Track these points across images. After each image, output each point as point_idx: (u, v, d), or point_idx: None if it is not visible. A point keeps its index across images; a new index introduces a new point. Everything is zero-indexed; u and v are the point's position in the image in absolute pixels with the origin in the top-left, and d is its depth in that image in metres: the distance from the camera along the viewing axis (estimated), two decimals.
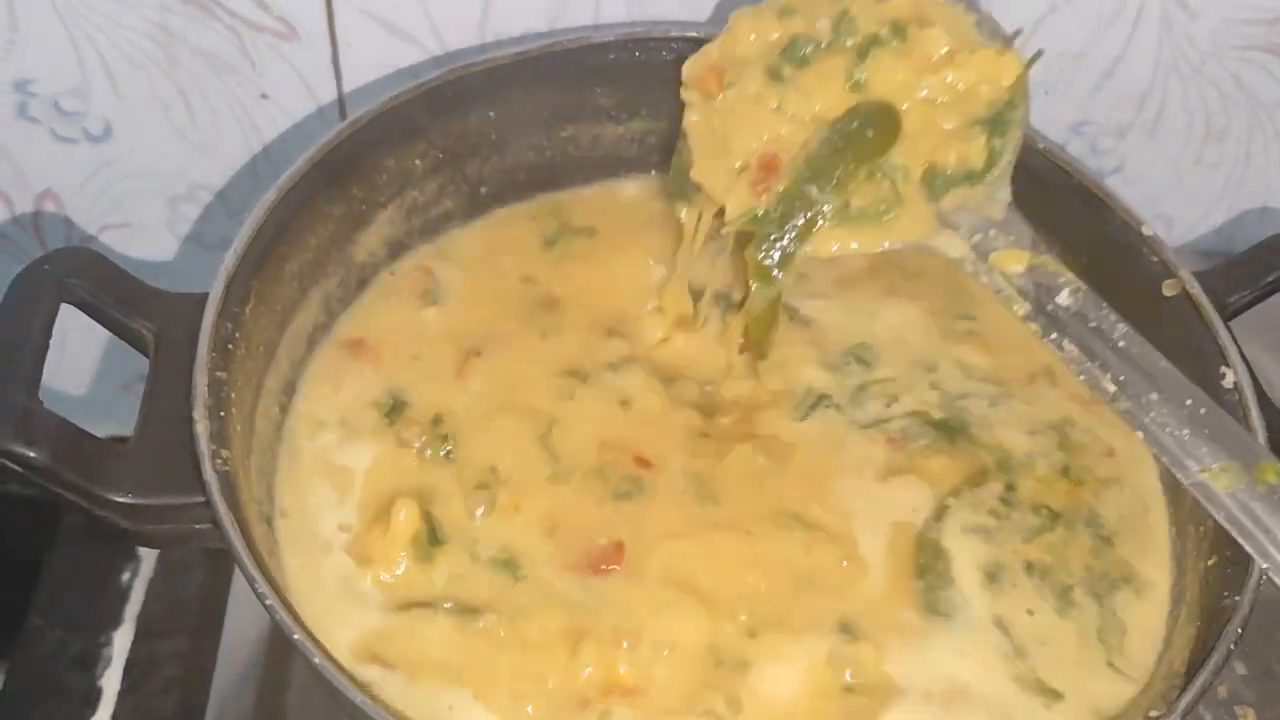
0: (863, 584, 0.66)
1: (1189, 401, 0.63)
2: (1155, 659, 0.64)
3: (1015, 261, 0.68)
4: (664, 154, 0.87)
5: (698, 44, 0.79)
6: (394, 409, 0.71)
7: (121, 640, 0.99)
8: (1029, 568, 0.68)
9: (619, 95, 0.84)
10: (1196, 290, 0.70)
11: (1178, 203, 1.05)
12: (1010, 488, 0.71)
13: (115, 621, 1.00)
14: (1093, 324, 0.66)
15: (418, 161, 0.79)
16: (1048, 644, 0.65)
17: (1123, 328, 0.66)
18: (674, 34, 0.82)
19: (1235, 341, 0.69)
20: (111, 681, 0.98)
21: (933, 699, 0.61)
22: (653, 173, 0.87)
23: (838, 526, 0.68)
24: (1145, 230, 0.73)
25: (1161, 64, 0.94)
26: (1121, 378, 0.64)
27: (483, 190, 0.83)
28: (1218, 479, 0.61)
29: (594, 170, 0.86)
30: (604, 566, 0.64)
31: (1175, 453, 0.63)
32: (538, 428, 0.70)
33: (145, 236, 0.99)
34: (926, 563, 0.67)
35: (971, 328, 0.79)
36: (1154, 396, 0.63)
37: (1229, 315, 0.72)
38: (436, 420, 0.70)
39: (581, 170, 0.86)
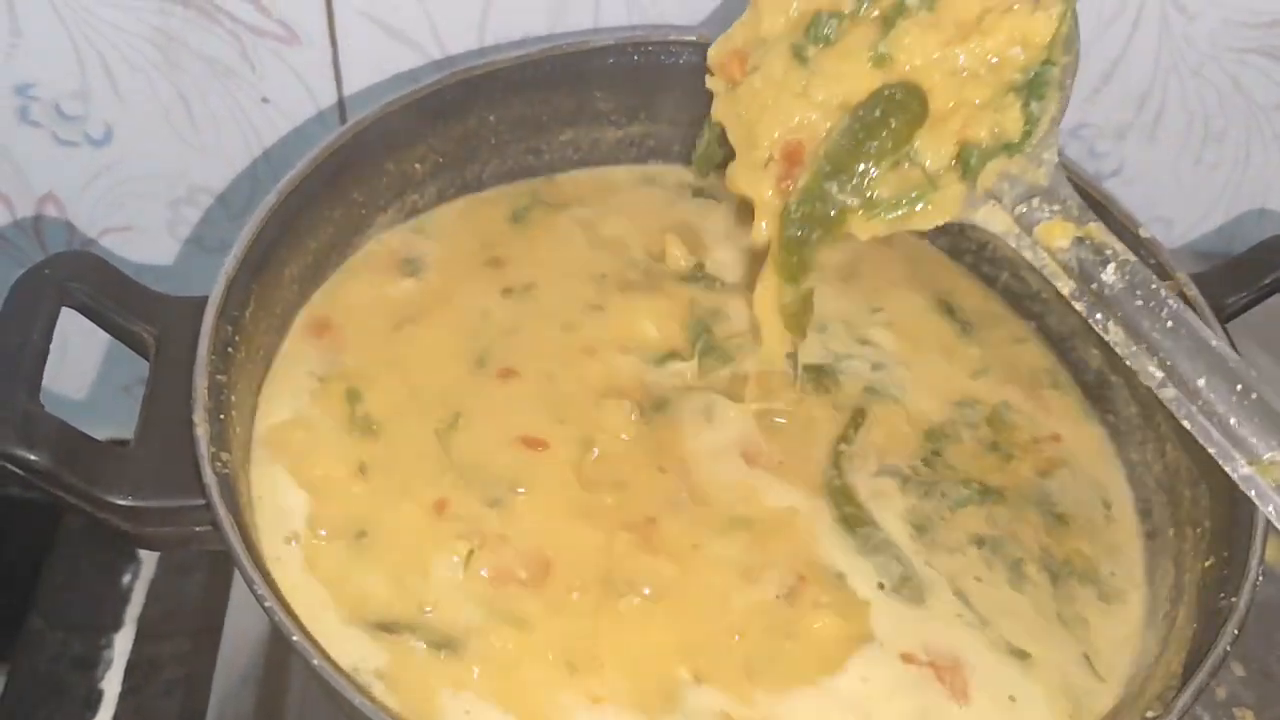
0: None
1: (1239, 387, 0.61)
2: (1128, 665, 0.65)
3: (1060, 235, 0.65)
4: (662, 157, 0.88)
5: (697, 47, 0.79)
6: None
7: (122, 642, 0.99)
8: (978, 540, 0.68)
9: (618, 99, 0.84)
10: (1194, 293, 0.70)
11: (1176, 204, 1.05)
12: (936, 453, 0.71)
13: (116, 624, 1.00)
14: (1139, 302, 0.63)
15: (417, 165, 0.80)
16: (1008, 615, 0.65)
17: (1173, 305, 0.63)
18: (673, 37, 0.82)
19: (1233, 345, 0.69)
20: (112, 684, 0.98)
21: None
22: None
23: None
24: (1143, 233, 0.74)
25: (1160, 66, 0.94)
26: (1169, 362, 0.62)
27: (481, 194, 0.83)
28: (1267, 472, 0.60)
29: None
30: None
31: (1222, 444, 0.60)
32: None
33: (146, 239, 0.99)
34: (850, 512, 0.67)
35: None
36: (1201, 382, 0.61)
37: (1226, 317, 0.72)
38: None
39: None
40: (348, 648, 0.59)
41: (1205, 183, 1.03)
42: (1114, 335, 0.64)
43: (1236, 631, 0.58)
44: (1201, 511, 0.66)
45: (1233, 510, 0.63)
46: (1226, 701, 0.80)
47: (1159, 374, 0.63)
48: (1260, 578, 0.60)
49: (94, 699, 0.97)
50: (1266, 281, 0.73)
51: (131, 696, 0.97)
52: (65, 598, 1.01)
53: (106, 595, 1.01)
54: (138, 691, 0.98)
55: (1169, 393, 0.62)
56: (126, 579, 1.02)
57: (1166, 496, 0.71)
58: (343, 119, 0.91)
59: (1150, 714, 0.57)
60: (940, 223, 0.68)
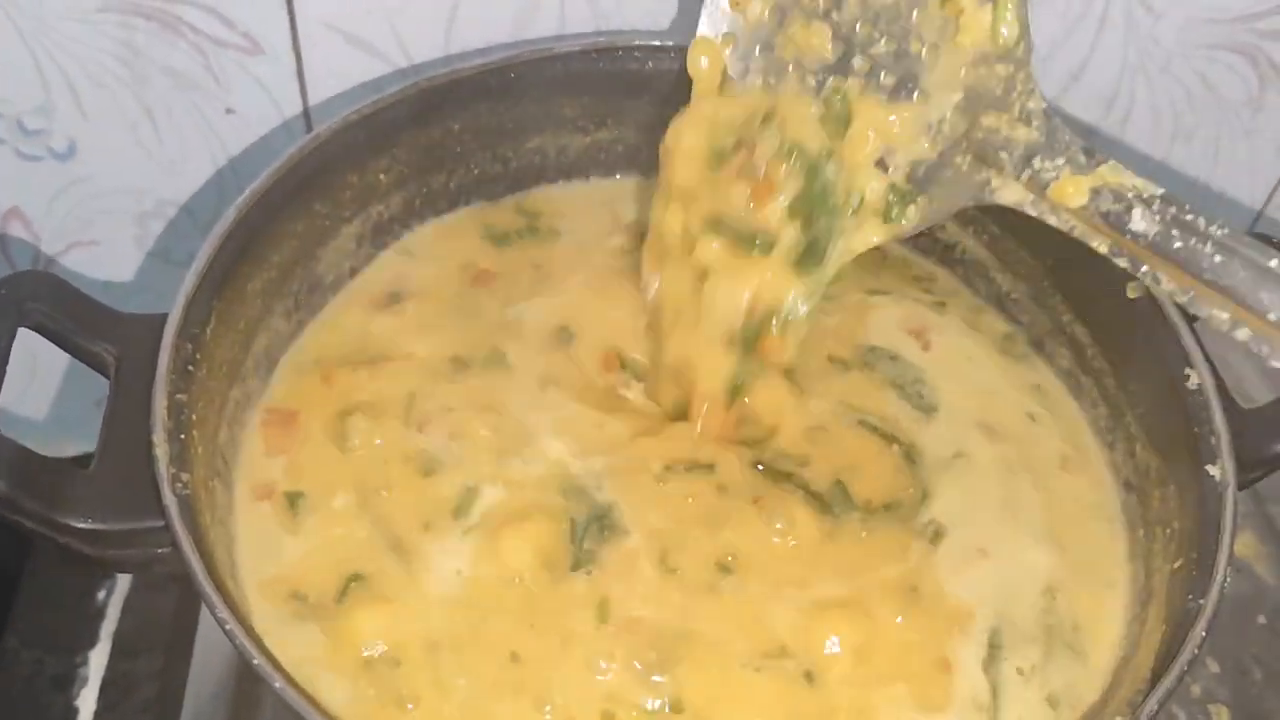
0: None
1: None
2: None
3: (1075, 192, 0.60)
4: (631, 163, 0.87)
5: (661, 52, 0.79)
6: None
7: (98, 659, 0.98)
8: None
9: (585, 105, 0.84)
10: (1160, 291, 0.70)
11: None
12: None
13: (91, 640, 0.99)
14: (1179, 243, 0.58)
15: (381, 176, 0.79)
16: None
17: (1217, 233, 0.58)
18: (638, 43, 0.82)
19: (1200, 343, 0.69)
20: (88, 701, 0.97)
21: None
22: (617, 176, 0.87)
23: None
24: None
25: (1128, 65, 0.94)
26: (1233, 300, 0.57)
27: (444, 204, 0.83)
28: None
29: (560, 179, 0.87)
30: None
31: None
32: None
33: (113, 254, 0.98)
34: None
35: None
36: (1274, 316, 0.56)
37: (1193, 315, 0.72)
38: None
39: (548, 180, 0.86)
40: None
41: (1174, 181, 1.04)
42: (1166, 286, 0.59)
43: (1205, 634, 0.58)
44: (1170, 512, 0.66)
45: (1201, 510, 0.63)
46: (1201, 698, 0.80)
47: (1225, 315, 0.58)
48: (1228, 580, 0.60)
49: (70, 717, 0.96)
50: None
51: (108, 714, 0.97)
52: (40, 616, 1.00)
53: (81, 612, 1.00)
54: (114, 709, 0.97)
55: (1243, 333, 0.57)
56: (101, 595, 1.01)
57: (1136, 497, 0.71)
58: (308, 128, 0.91)
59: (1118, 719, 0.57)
60: (955, 208, 0.66)
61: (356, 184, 0.78)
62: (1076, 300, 0.77)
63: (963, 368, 0.77)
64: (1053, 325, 0.79)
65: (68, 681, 0.97)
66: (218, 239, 0.67)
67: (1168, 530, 0.66)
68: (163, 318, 0.65)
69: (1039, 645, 0.64)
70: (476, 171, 0.83)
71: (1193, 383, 0.67)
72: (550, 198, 0.86)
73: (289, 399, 0.73)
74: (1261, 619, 0.86)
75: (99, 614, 1.00)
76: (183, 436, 0.61)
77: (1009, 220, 0.79)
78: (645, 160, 0.87)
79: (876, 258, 0.80)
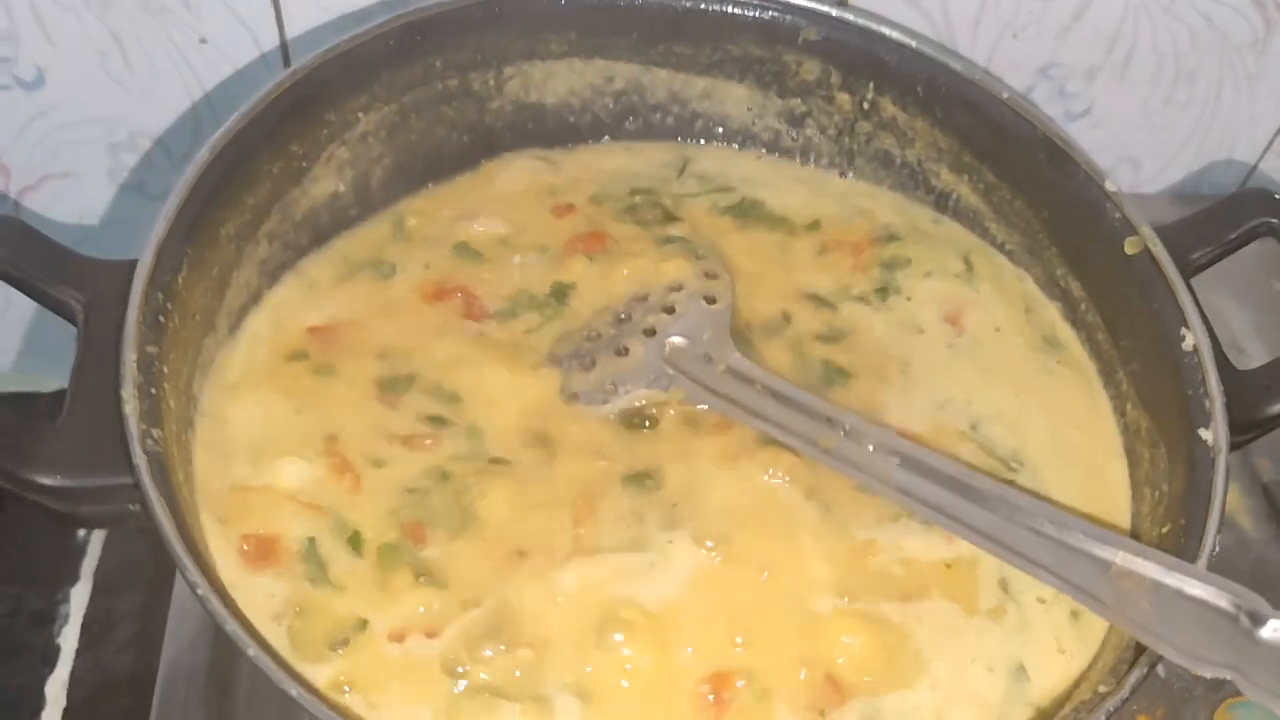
0: None
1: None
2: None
3: None
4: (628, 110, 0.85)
5: None
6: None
7: (79, 596, 0.97)
8: None
9: (571, 40, 0.81)
10: (1159, 249, 0.69)
11: (1146, 145, 1.03)
12: None
13: (72, 578, 0.98)
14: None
15: (360, 115, 0.76)
16: None
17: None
18: None
19: (1197, 303, 0.67)
20: (69, 639, 0.97)
21: None
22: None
23: None
24: (1109, 185, 0.72)
25: (1131, 4, 0.91)
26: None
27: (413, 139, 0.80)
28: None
29: (544, 126, 0.84)
30: None
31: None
32: None
33: (87, 187, 0.96)
34: None
35: None
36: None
37: (1192, 272, 0.71)
38: None
39: (526, 130, 0.84)
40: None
41: (1176, 124, 1.01)
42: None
43: None
44: (1160, 474, 0.66)
45: (1191, 475, 0.62)
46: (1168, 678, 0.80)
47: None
48: (1217, 547, 0.59)
49: (51, 655, 0.96)
50: (1233, 236, 0.71)
51: (89, 651, 0.96)
52: (21, 552, 0.99)
53: (62, 549, 0.99)
54: (95, 645, 0.97)
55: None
56: (82, 532, 1.00)
57: (1127, 455, 0.70)
58: (286, 61, 0.88)
59: (1103, 688, 0.57)
60: None
61: (335, 122, 0.75)
62: (1072, 253, 0.75)
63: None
64: (1047, 278, 0.78)
65: (48, 619, 0.97)
66: (189, 181, 0.65)
67: (1156, 493, 0.66)
68: (132, 264, 0.62)
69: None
70: (453, 114, 0.80)
71: (1187, 344, 0.66)
72: None
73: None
74: (1244, 571, 0.85)
75: (80, 551, 0.99)
76: (154, 391, 0.59)
77: (1005, 169, 0.78)
78: (638, 106, 0.85)
79: None
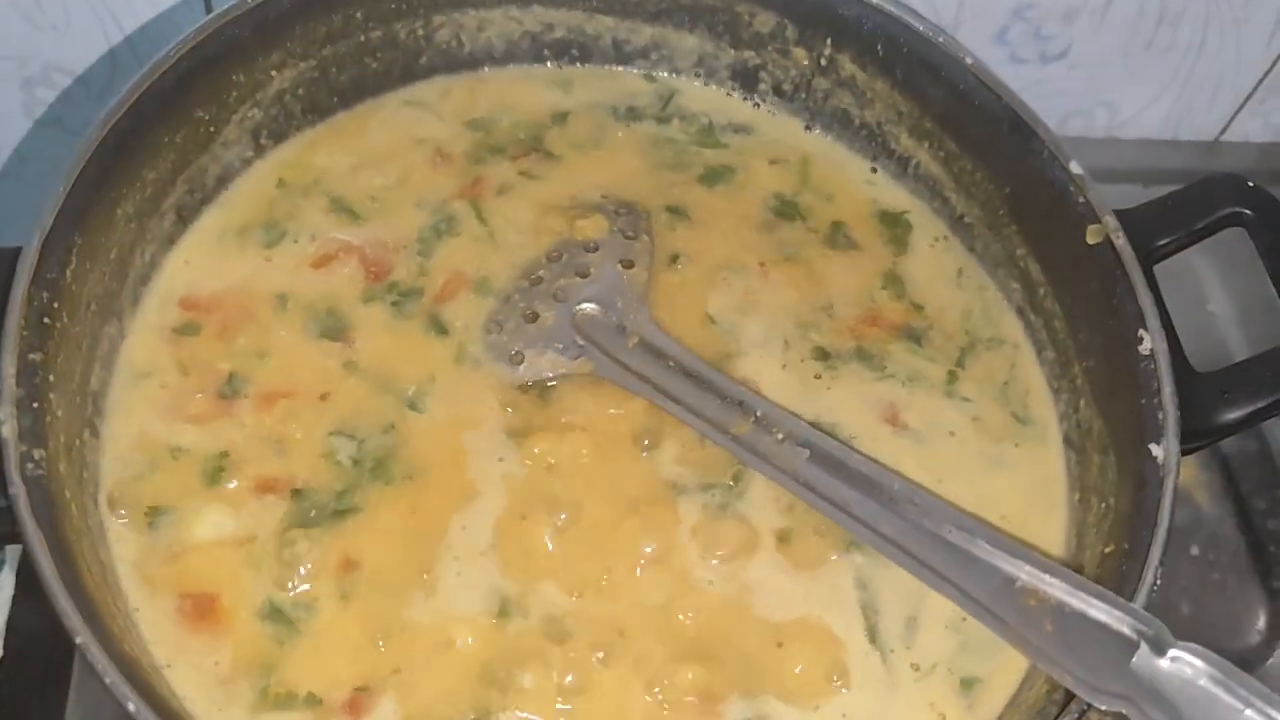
0: None
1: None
2: None
3: None
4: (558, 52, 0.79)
5: None
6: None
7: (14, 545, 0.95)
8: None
9: None
10: (1121, 242, 0.65)
11: (1125, 89, 0.98)
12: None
13: None
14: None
15: (274, 74, 0.71)
16: None
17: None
18: None
19: (1159, 301, 0.64)
20: (5, 587, 0.94)
21: None
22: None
23: None
24: (1074, 167, 0.67)
25: None
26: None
27: (335, 100, 0.75)
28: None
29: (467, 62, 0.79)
30: None
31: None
32: None
33: (1, 121, 0.90)
34: None
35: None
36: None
37: (1156, 260, 0.67)
38: None
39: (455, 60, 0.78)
40: None
41: (1157, 67, 0.96)
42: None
43: None
44: (1108, 485, 0.63)
45: (1139, 495, 0.60)
46: None
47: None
48: (1159, 581, 0.57)
49: None
50: (1201, 225, 0.67)
51: (25, 599, 0.94)
52: None
53: None
54: (31, 594, 0.94)
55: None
56: None
57: (1076, 456, 0.68)
58: (208, 8, 0.82)
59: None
60: None
61: (244, 83, 0.70)
62: (1033, 234, 0.71)
63: None
64: (1006, 256, 0.74)
65: None
66: (76, 163, 0.60)
67: (1103, 504, 0.63)
68: (14, 253, 0.58)
69: None
70: (373, 64, 0.75)
71: (1144, 347, 0.62)
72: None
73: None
74: (1195, 550, 0.84)
75: None
76: (36, 405, 0.55)
77: (967, 138, 0.73)
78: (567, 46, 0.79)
79: None
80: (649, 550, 0.62)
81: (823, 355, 0.70)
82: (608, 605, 0.60)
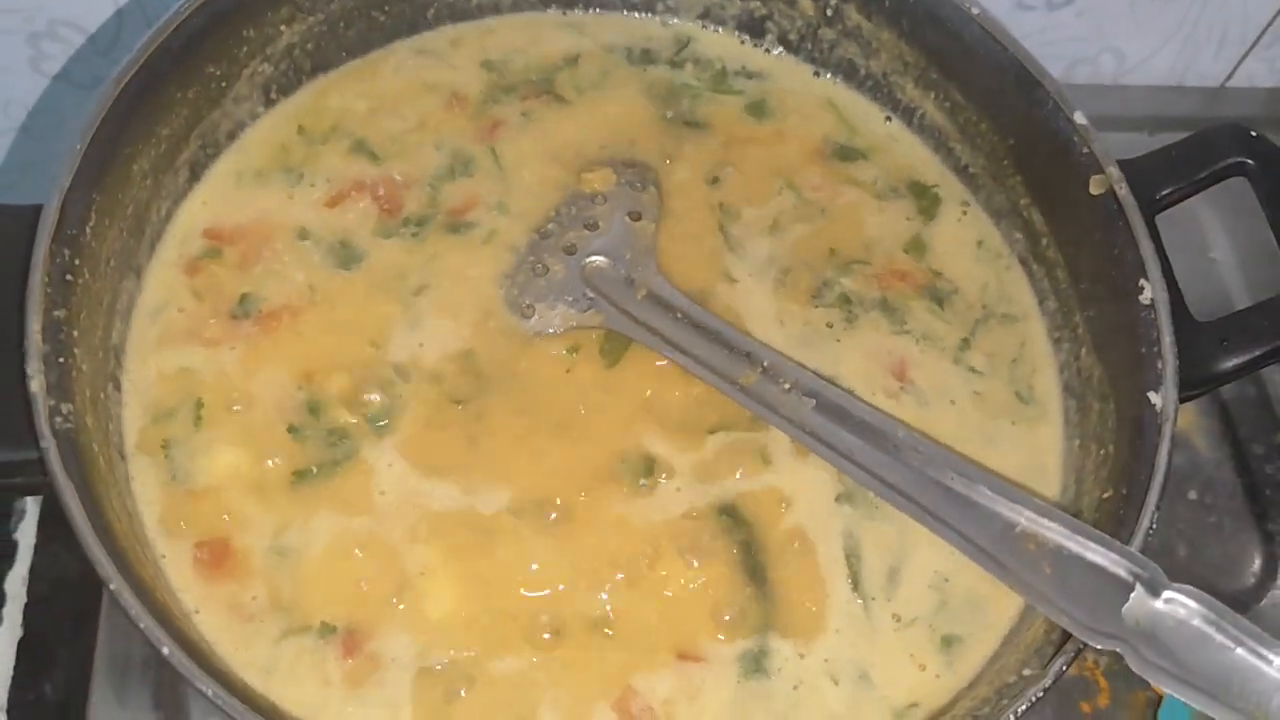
0: None
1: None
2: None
3: None
4: None
5: None
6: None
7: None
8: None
9: None
10: (1124, 192, 0.65)
11: (1131, 35, 0.98)
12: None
13: None
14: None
15: (283, 28, 0.71)
16: None
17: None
18: None
19: (1160, 251, 0.65)
20: (28, 534, 0.97)
21: None
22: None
23: None
24: (1078, 118, 0.68)
25: None
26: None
27: (343, 54, 0.76)
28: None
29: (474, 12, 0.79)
30: None
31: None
32: None
33: (9, 77, 0.91)
34: None
35: None
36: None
37: (1158, 209, 0.68)
38: None
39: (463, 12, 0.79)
40: None
41: (1164, 13, 0.96)
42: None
43: None
44: (1108, 432, 0.64)
45: (1137, 442, 0.61)
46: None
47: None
48: (1154, 525, 0.58)
49: (9, 550, 0.96)
50: (1203, 174, 0.67)
51: (48, 546, 0.96)
52: None
53: None
54: (54, 540, 0.97)
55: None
56: None
57: (1076, 403, 0.69)
58: None
59: (1027, 671, 0.57)
60: None
61: (254, 38, 0.70)
62: (1036, 184, 0.72)
63: None
64: (1010, 206, 0.74)
65: (4, 514, 0.97)
66: (92, 121, 0.60)
67: (1102, 451, 0.64)
68: (33, 212, 0.59)
69: None
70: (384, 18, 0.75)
71: (1145, 297, 0.63)
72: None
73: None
74: (1192, 494, 0.85)
75: None
76: (63, 359, 0.56)
77: (972, 90, 0.73)
78: None
79: None
80: None
81: (845, 301, 0.71)
82: None
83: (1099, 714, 0.76)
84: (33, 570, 0.95)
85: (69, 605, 0.94)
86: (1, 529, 0.97)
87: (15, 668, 0.87)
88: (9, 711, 0.84)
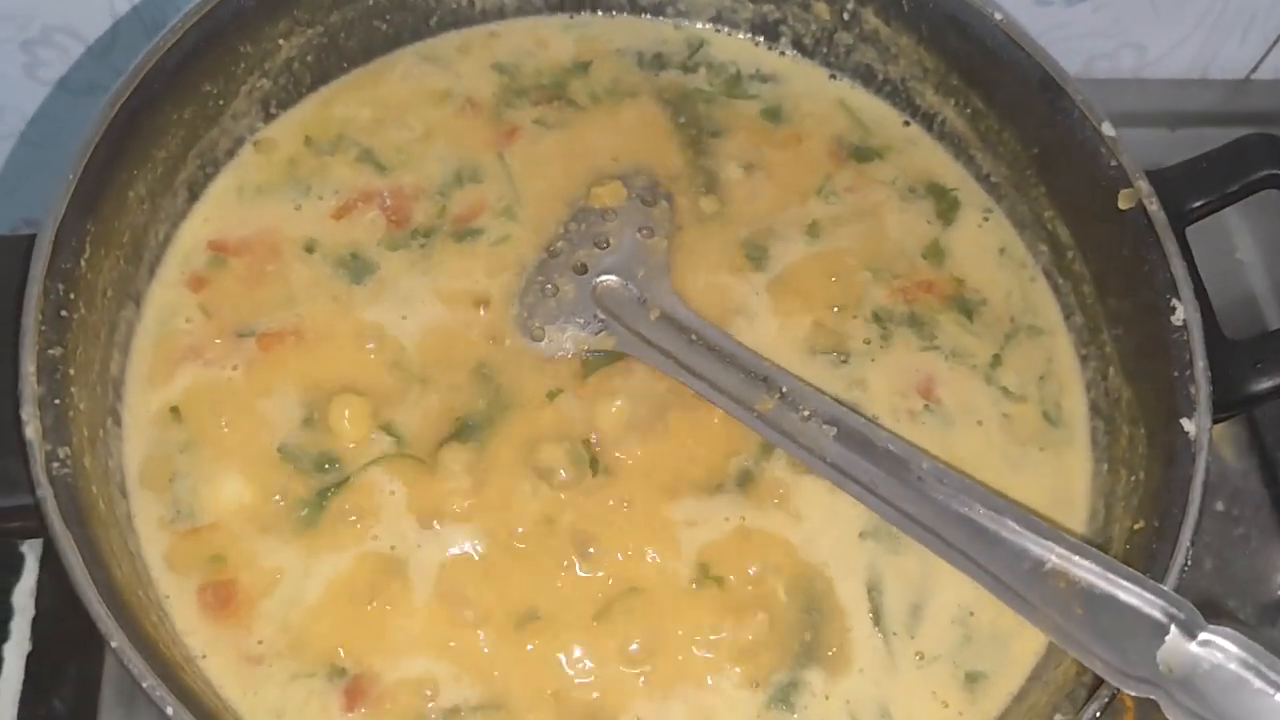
0: None
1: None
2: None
3: None
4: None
5: None
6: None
7: None
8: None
9: None
10: (1155, 208, 0.63)
11: (1152, 29, 0.95)
12: None
13: None
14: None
15: (281, 42, 0.69)
16: None
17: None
18: None
19: (1193, 269, 0.62)
20: (35, 548, 0.95)
21: None
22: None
23: None
24: (1106, 129, 0.65)
25: None
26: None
27: (344, 65, 0.73)
28: None
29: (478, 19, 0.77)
30: None
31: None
32: None
33: (4, 83, 0.89)
34: None
35: None
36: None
37: (1188, 222, 0.65)
38: None
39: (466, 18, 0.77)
40: None
41: (1185, 5, 0.93)
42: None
43: None
44: (1138, 458, 0.62)
45: (1169, 471, 0.59)
46: None
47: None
48: (1189, 562, 0.56)
49: (16, 563, 0.95)
50: (1235, 188, 0.65)
51: (55, 560, 0.95)
52: None
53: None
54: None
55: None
56: None
57: (1104, 425, 0.67)
58: None
59: (1059, 717, 0.55)
60: None
61: (251, 54, 0.68)
62: (1061, 196, 0.70)
63: None
64: (1033, 217, 0.72)
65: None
66: (85, 148, 0.58)
67: (1132, 478, 0.62)
68: (27, 242, 0.57)
69: None
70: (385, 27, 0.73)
71: (1177, 318, 0.61)
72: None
73: None
74: (1219, 505, 0.83)
75: None
76: (58, 401, 0.54)
77: (994, 97, 0.71)
78: None
79: None
80: None
81: (877, 319, 0.69)
82: None
83: None
84: (39, 584, 0.94)
85: (78, 619, 0.93)
86: (8, 542, 0.96)
87: (24, 683, 0.86)
88: None
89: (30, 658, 0.87)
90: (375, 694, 0.57)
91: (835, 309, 0.69)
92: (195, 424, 0.63)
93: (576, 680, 0.58)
